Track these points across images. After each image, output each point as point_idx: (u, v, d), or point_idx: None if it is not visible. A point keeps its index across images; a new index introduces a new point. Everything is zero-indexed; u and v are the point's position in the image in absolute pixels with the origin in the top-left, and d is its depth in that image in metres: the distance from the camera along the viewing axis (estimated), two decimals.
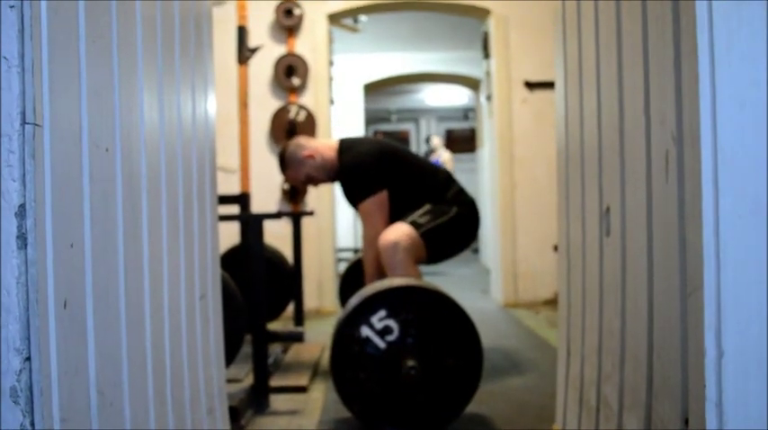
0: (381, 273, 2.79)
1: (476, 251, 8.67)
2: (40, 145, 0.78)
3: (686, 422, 0.93)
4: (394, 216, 2.88)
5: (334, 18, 4.87)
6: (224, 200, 2.98)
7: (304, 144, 2.98)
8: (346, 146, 2.96)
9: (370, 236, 2.84)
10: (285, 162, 2.99)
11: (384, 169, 2.87)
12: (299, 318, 3.56)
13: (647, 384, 1.10)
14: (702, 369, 0.84)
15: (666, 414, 1.01)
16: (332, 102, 4.84)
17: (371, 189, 2.83)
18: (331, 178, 3.00)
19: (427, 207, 2.89)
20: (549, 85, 4.57)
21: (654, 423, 1.07)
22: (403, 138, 11.37)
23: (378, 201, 2.82)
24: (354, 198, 2.89)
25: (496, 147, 4.80)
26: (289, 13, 4.55)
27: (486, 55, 4.97)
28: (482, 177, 7.25)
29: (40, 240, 0.78)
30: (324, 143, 3.02)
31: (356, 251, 6.76)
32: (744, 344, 0.83)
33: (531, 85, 4.72)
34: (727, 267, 0.83)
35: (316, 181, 3.02)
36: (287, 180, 3.14)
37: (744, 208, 0.83)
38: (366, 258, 2.88)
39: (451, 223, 2.87)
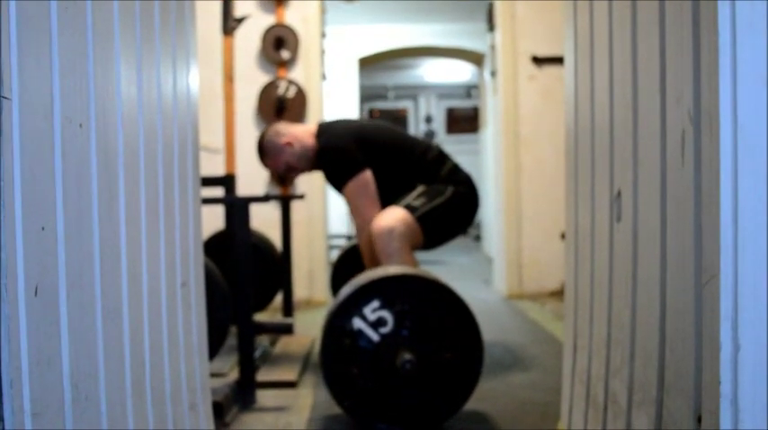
0: (377, 260, 2.79)
1: (477, 238, 8.69)
2: (8, 120, 0.78)
3: (699, 420, 0.94)
4: (386, 200, 2.89)
5: None
6: (207, 181, 2.97)
7: (282, 131, 2.97)
8: (324, 127, 2.97)
9: (358, 222, 2.85)
10: (263, 150, 2.99)
11: (364, 148, 2.86)
12: (288, 308, 3.57)
13: (659, 379, 1.11)
14: (717, 363, 0.85)
15: (678, 411, 1.02)
16: (324, 77, 4.82)
17: (351, 170, 2.82)
18: (312, 166, 2.99)
19: (421, 188, 2.89)
20: (558, 60, 4.55)
21: (665, 421, 1.08)
22: (401, 116, 11.35)
23: (361, 183, 2.81)
24: (336, 182, 2.90)
25: (501, 128, 4.80)
26: None
27: (491, 27, 4.95)
28: (485, 159, 7.25)
29: (9, 223, 0.77)
30: (303, 128, 3.01)
31: (349, 238, 6.76)
32: (762, 338, 0.84)
33: (538, 61, 4.71)
34: (745, 255, 0.84)
35: (296, 170, 3.01)
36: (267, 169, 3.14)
37: (764, 192, 0.83)
38: (360, 244, 2.89)
39: (448, 204, 2.87)
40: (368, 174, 2.82)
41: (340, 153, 2.85)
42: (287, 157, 2.95)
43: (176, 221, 1.48)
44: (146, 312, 1.26)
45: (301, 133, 2.97)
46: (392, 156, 2.93)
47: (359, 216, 2.84)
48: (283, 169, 3.00)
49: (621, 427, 1.30)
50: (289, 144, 2.93)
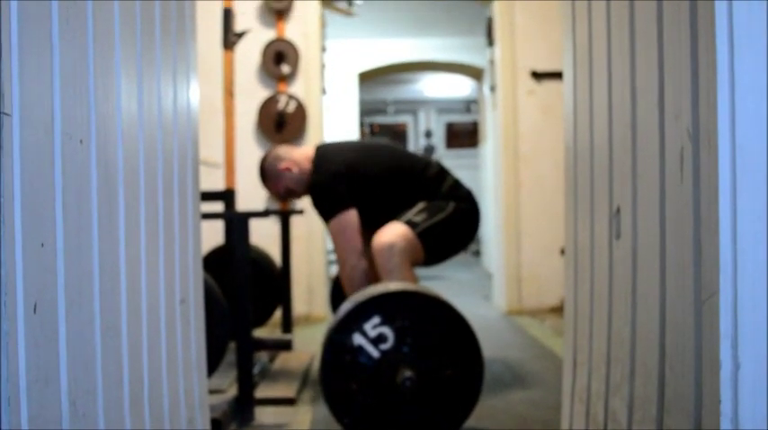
0: (373, 280, 2.81)
1: (477, 254, 8.68)
2: (8, 135, 0.78)
3: None
4: (387, 218, 2.90)
5: (328, 0, 4.86)
6: (207, 196, 2.98)
7: (282, 155, 3.03)
8: (319, 155, 3.00)
9: (341, 258, 2.87)
10: (264, 175, 3.07)
11: (358, 177, 2.90)
12: (288, 324, 3.56)
13: (659, 397, 1.11)
14: (717, 381, 0.85)
15: None
16: (324, 91, 4.84)
17: (335, 209, 2.87)
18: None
19: (422, 205, 2.90)
20: (557, 75, 4.57)
21: None
22: (400, 131, 11.38)
23: (342, 222, 2.85)
24: (322, 216, 2.94)
25: (500, 143, 4.81)
26: None
27: (490, 42, 4.98)
28: (484, 175, 7.26)
29: (9, 239, 0.78)
30: (302, 152, 3.06)
31: None
32: (762, 356, 0.84)
33: (538, 76, 4.73)
34: (744, 273, 0.84)
35: (296, 194, 3.08)
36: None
37: (763, 209, 0.84)
38: (341, 278, 2.90)
39: (450, 220, 2.88)
40: (350, 215, 2.85)
41: (326, 192, 2.91)
42: (286, 182, 3.01)
43: (176, 237, 1.48)
44: (144, 329, 1.26)
45: (300, 157, 3.01)
46: (391, 177, 2.96)
47: (338, 254, 2.89)
48: (283, 193, 3.06)
49: None
50: (287, 169, 2.99)
